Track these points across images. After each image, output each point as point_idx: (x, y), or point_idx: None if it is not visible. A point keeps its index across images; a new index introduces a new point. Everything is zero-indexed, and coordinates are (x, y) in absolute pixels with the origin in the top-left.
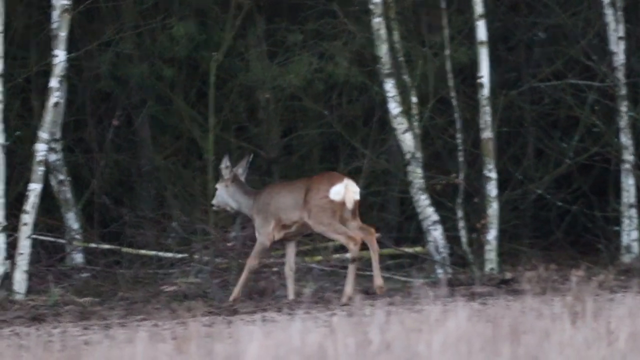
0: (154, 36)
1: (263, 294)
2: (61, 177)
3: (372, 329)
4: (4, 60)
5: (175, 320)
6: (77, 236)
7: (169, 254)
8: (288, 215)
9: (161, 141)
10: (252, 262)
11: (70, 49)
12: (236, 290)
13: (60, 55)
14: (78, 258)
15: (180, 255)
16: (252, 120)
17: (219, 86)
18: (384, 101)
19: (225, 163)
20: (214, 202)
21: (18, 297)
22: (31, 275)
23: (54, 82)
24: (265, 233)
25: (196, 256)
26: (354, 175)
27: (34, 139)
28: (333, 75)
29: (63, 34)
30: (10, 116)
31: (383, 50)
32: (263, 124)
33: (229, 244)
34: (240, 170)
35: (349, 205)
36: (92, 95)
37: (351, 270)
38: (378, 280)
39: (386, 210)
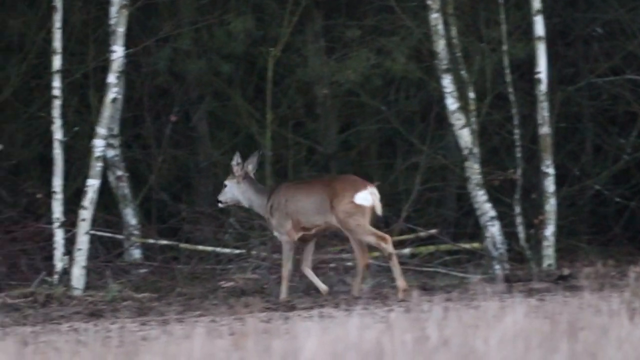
0: (212, 32)
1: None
2: (119, 172)
3: (430, 325)
4: (62, 56)
5: (232, 316)
6: (135, 232)
7: (227, 250)
8: (309, 218)
9: (219, 137)
10: (286, 267)
11: (128, 44)
12: (283, 292)
13: (118, 51)
14: (136, 254)
15: (237, 251)
16: (310, 115)
17: (276, 82)
18: (441, 97)
19: (236, 160)
20: (220, 198)
21: (76, 292)
22: (89, 271)
23: (111, 78)
24: (285, 232)
25: (254, 252)
26: (412, 170)
27: (92, 134)
28: (391, 71)
29: (121, 30)
30: (69, 112)
31: (440, 45)
32: (320, 120)
33: None
34: (250, 167)
35: (379, 211)
36: (149, 91)
37: (394, 264)
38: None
39: (444, 206)
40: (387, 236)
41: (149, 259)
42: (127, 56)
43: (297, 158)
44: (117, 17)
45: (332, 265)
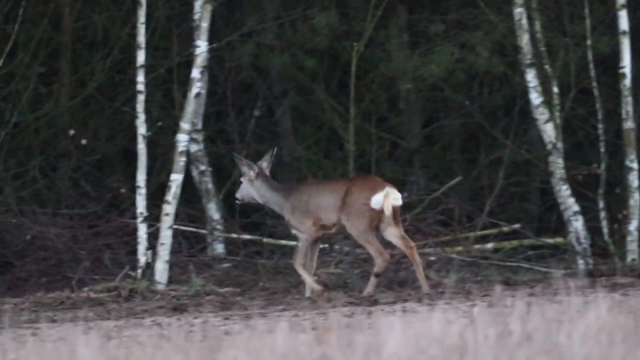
0: (296, 27)
1: (403, 285)
2: (202, 167)
3: (513, 320)
4: (146, 51)
5: (315, 310)
6: (218, 226)
7: None
8: (328, 215)
9: (302, 131)
10: (298, 261)
11: (211, 39)
12: (308, 289)
13: (202, 46)
14: (219, 248)
15: (320, 246)
16: (393, 110)
17: (360, 76)
18: (525, 91)
19: (245, 161)
20: (237, 195)
21: (159, 287)
22: (172, 265)
23: (195, 73)
24: (305, 230)
25: (336, 246)
26: (495, 165)
27: (175, 129)
28: (474, 66)
29: (205, 25)
30: (152, 107)
31: (524, 40)
32: (404, 114)
33: None
34: (265, 164)
35: (387, 212)
36: (233, 86)
37: (372, 283)
38: (425, 287)
39: (527, 200)
40: (387, 255)
41: (232, 254)
42: (211, 51)
43: (380, 153)
44: (201, 12)
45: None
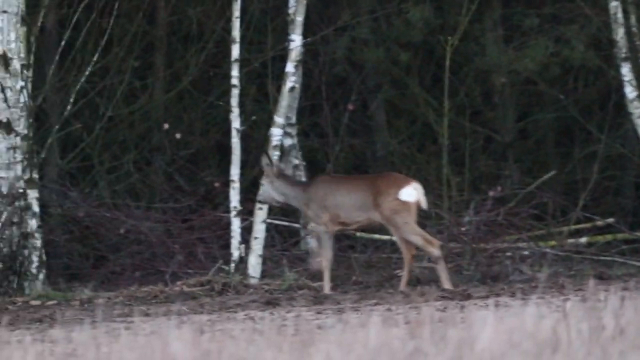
0: (390, 21)
1: (496, 279)
2: (296, 161)
3: (606, 315)
4: (241, 46)
5: (408, 305)
6: None
7: None
8: (350, 214)
9: (396, 125)
10: (325, 257)
11: (306, 33)
12: (326, 286)
13: (296, 40)
14: (312, 242)
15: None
16: (487, 104)
17: (454, 70)
18: (620, 85)
19: (265, 160)
20: (259, 198)
21: (253, 281)
22: (266, 259)
23: (289, 67)
24: (322, 223)
25: None
26: (589, 159)
27: (269, 123)
28: (569, 60)
29: (299, 19)
30: (247, 101)
31: (619, 34)
32: (498, 109)
33: (463, 229)
34: (283, 165)
35: (424, 205)
36: (327, 80)
37: (441, 269)
38: (403, 286)
39: (621, 194)
40: (435, 240)
41: (332, 250)
42: (305, 45)
43: (474, 147)
44: (296, 6)
45: (508, 254)
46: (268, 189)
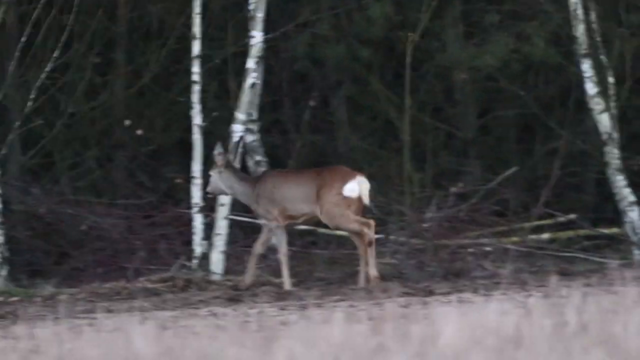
0: (351, 17)
1: (459, 275)
2: (258, 157)
3: (569, 311)
4: (202, 42)
5: (371, 301)
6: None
7: None
8: (296, 206)
9: (357, 122)
10: (282, 252)
11: (267, 30)
12: (286, 282)
13: (257, 37)
14: (274, 239)
15: (376, 236)
16: (448, 100)
17: (415, 67)
18: (580, 81)
19: (218, 149)
20: (208, 189)
21: (215, 277)
22: (228, 255)
23: (250, 63)
24: (272, 218)
25: (392, 237)
26: (551, 155)
27: (231, 120)
28: (530, 56)
29: (260, 15)
30: (208, 97)
31: (580, 30)
32: (459, 105)
33: (425, 225)
34: (232, 157)
35: (366, 200)
36: (288, 76)
37: (371, 253)
38: (360, 283)
39: (583, 191)
40: (370, 221)
41: (288, 244)
42: (266, 41)
43: (436, 143)
44: (256, 3)
45: (470, 250)
46: (216, 180)
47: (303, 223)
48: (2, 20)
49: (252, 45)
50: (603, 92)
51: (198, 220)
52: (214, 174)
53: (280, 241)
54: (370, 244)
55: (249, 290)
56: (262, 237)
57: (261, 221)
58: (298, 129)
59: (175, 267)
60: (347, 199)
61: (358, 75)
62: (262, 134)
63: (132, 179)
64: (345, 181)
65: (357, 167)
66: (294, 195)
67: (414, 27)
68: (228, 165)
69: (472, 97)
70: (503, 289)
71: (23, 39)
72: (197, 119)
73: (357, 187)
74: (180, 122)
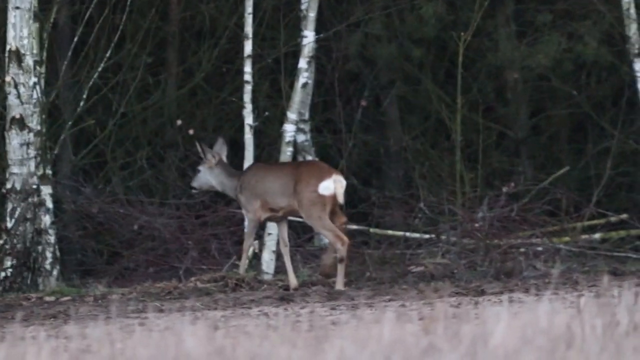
0: (403, 16)
1: (510, 275)
2: (309, 157)
3: (620, 310)
4: (253, 42)
5: (422, 300)
6: None
7: (417, 235)
8: (275, 200)
9: (409, 121)
10: (247, 241)
11: (319, 29)
12: (242, 267)
13: (309, 36)
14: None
15: (427, 236)
16: (500, 100)
17: (467, 66)
18: (633, 81)
19: (200, 149)
20: (194, 184)
21: (266, 277)
22: (279, 255)
23: (302, 63)
24: (252, 210)
25: (443, 237)
26: (603, 155)
27: (282, 119)
28: (582, 55)
29: (312, 15)
30: (259, 97)
31: (632, 29)
32: (511, 104)
33: (477, 225)
34: (218, 150)
35: (340, 199)
36: (340, 76)
37: (340, 269)
38: (340, 285)
39: (635, 190)
40: (345, 239)
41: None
42: (318, 41)
43: (488, 143)
44: (309, 2)
45: (521, 250)
46: (205, 175)
47: (283, 217)
48: (54, 20)
49: (304, 45)
50: None
51: None
52: (203, 169)
53: (251, 233)
54: (341, 260)
55: (300, 290)
56: (280, 235)
57: (242, 211)
58: (349, 129)
59: (226, 267)
60: (321, 196)
61: (410, 74)
62: (313, 134)
63: (184, 179)
64: (321, 179)
65: (408, 166)
66: (273, 189)
67: (466, 26)
68: (220, 162)
69: (524, 97)
70: (554, 289)
71: (75, 39)
72: (248, 118)
73: (332, 185)
74: (232, 121)
